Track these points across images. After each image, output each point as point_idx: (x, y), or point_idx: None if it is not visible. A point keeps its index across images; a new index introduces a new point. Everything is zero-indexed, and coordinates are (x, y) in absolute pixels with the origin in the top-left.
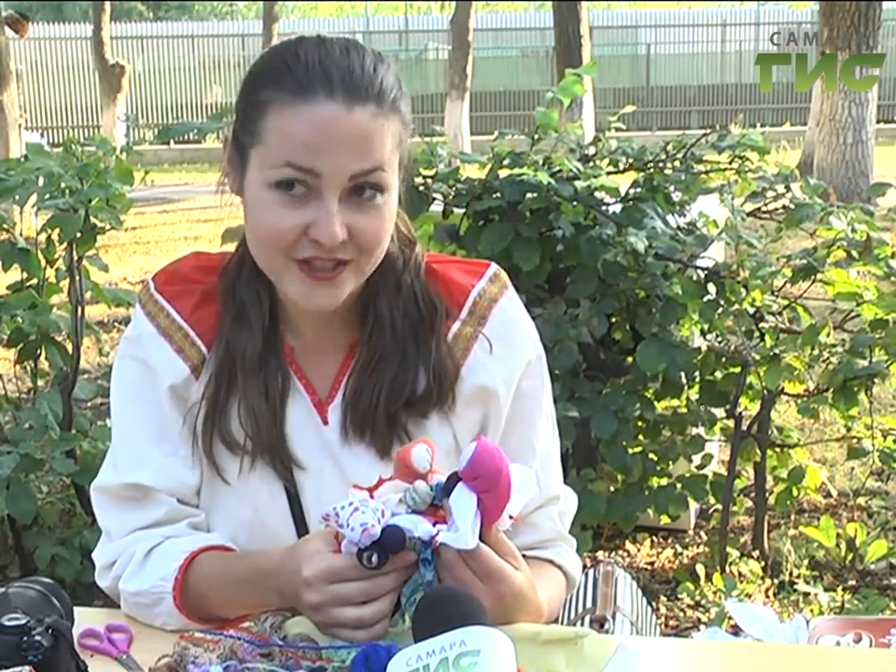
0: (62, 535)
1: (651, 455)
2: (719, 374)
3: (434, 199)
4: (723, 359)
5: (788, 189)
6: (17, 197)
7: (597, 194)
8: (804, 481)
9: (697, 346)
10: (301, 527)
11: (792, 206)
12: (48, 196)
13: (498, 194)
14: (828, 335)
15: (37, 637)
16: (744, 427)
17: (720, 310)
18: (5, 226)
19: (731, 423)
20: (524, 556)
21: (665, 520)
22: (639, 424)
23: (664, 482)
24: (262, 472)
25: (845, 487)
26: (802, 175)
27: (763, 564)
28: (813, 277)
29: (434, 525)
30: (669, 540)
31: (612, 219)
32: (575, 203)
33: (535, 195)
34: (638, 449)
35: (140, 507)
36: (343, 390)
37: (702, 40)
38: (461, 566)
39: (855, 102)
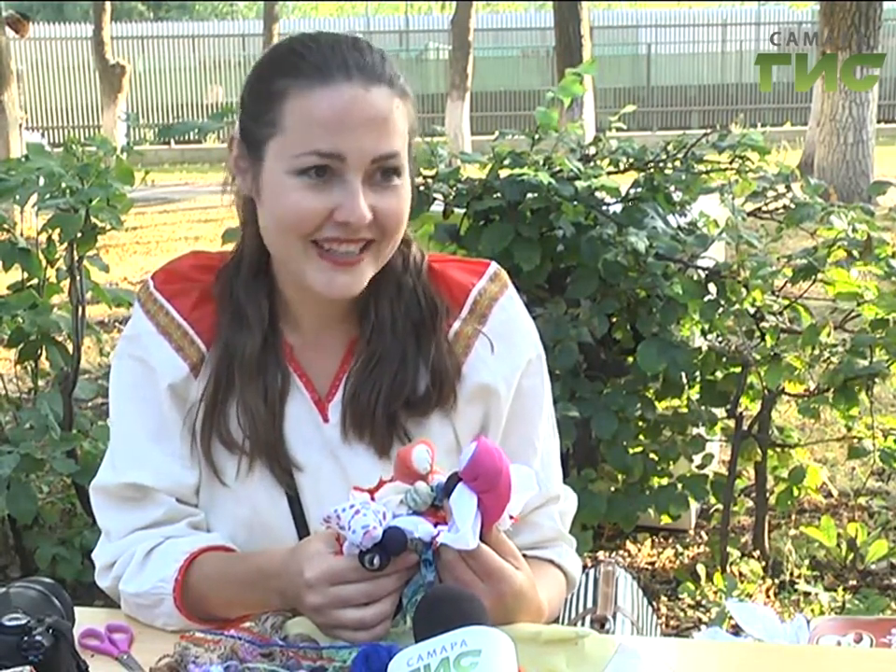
0: (62, 535)
1: (652, 455)
2: (719, 374)
3: (434, 199)
4: (724, 359)
5: (788, 188)
6: (17, 197)
7: (598, 194)
8: (804, 481)
9: (698, 346)
10: (302, 526)
11: (793, 206)
12: (48, 196)
13: (499, 194)
14: (828, 335)
15: (38, 637)
16: (744, 427)
17: (720, 310)
18: (5, 226)
19: (731, 423)
20: (524, 556)
21: (665, 520)
22: (640, 424)
23: (664, 481)
24: (261, 475)
25: (845, 487)
26: (802, 175)
27: (763, 564)
28: (813, 277)
29: (435, 525)
30: (670, 540)
31: (613, 219)
32: (575, 202)
33: (535, 195)
34: (639, 449)
35: (139, 507)
36: (343, 388)
37: (702, 40)
38: (462, 566)
39: (855, 102)
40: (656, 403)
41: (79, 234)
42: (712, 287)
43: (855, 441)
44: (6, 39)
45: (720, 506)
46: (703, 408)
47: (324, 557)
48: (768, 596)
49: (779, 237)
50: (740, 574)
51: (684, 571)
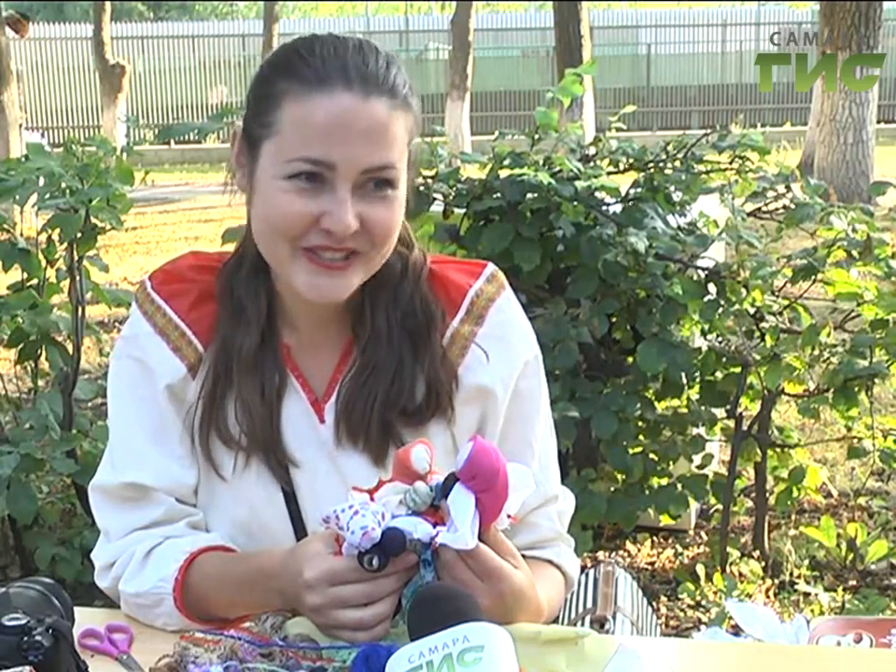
0: (62, 535)
1: (652, 455)
2: (719, 374)
3: (434, 199)
4: (724, 359)
5: (788, 188)
6: (17, 197)
7: (598, 194)
8: (804, 481)
9: (698, 346)
10: (298, 525)
11: (793, 206)
12: (48, 196)
13: (499, 194)
14: (828, 335)
15: (38, 637)
16: (744, 427)
17: (720, 310)
18: (5, 226)
19: (731, 423)
20: (522, 556)
21: (665, 520)
22: (640, 424)
23: (664, 482)
24: (258, 469)
25: (845, 487)
26: (802, 175)
27: (763, 564)
28: (813, 277)
29: (434, 526)
30: (670, 540)
31: (613, 219)
32: (575, 203)
33: (535, 195)
34: (639, 449)
35: (139, 506)
36: (338, 390)
37: (702, 40)
38: (461, 566)
39: (855, 102)
40: (656, 403)
41: (79, 234)
42: (712, 288)
43: (855, 441)
44: (6, 39)
45: (719, 506)
46: (703, 408)
47: (323, 558)
48: (768, 597)
49: (779, 237)
50: (740, 574)
51: (684, 571)
